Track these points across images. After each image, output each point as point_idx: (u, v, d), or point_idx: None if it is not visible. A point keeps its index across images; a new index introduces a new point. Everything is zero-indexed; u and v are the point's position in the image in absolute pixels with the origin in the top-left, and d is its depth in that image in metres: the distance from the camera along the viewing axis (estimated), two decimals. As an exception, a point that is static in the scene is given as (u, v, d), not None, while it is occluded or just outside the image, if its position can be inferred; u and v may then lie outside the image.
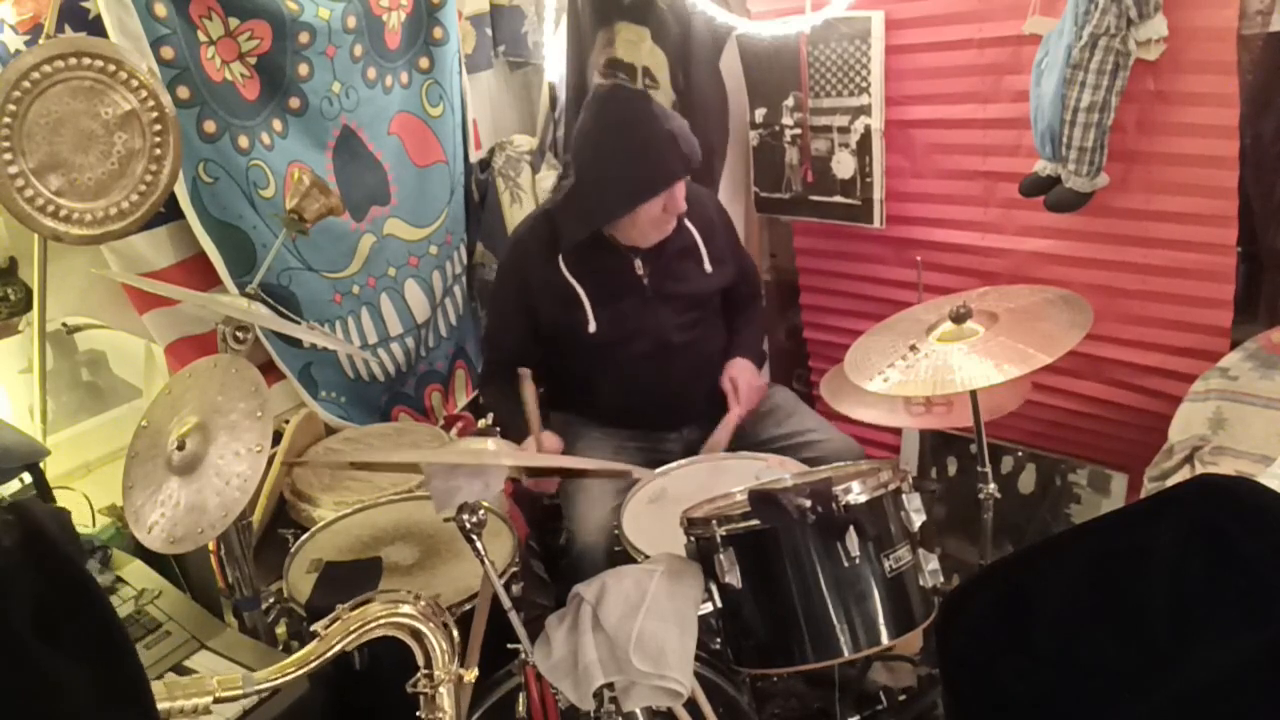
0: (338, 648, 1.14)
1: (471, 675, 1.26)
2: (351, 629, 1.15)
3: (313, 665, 1.12)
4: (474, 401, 3.02)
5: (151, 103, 1.91)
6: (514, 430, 2.22)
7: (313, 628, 1.16)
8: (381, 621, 1.17)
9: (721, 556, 1.53)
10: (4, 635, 0.72)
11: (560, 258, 2.21)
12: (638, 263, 2.23)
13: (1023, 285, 2.15)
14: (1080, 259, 2.33)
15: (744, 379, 2.28)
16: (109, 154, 1.89)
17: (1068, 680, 0.64)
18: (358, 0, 2.48)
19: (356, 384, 2.70)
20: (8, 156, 1.78)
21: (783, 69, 2.69)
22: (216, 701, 1.05)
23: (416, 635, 1.20)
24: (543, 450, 2.12)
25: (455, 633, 1.23)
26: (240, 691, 1.07)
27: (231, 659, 1.67)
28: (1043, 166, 2.20)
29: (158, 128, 1.93)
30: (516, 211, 3.03)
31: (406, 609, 1.19)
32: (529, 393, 1.94)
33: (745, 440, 2.25)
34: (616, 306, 2.23)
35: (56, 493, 1.95)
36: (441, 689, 1.20)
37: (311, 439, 2.50)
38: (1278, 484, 1.04)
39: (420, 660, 1.21)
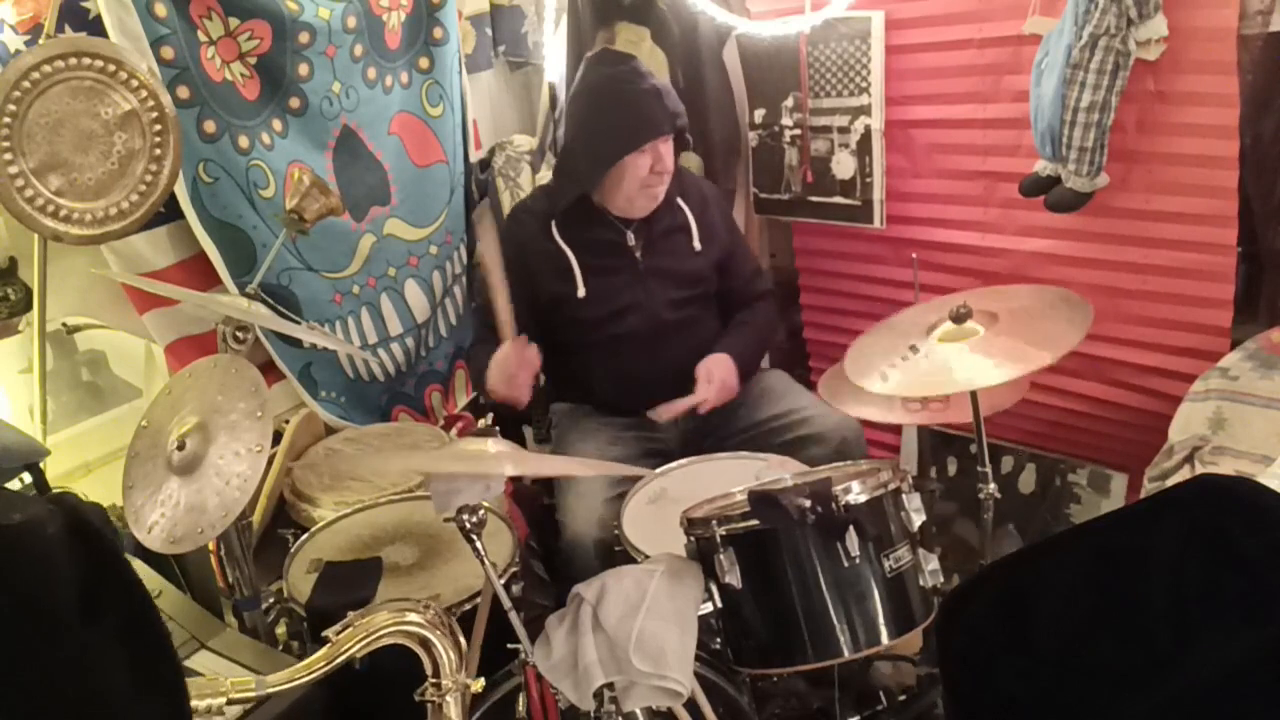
0: (348, 654, 1.14)
1: (479, 685, 1.25)
2: (359, 636, 1.15)
3: (324, 670, 1.13)
4: (474, 401, 3.02)
5: (151, 103, 1.91)
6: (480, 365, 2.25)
7: (325, 633, 1.16)
8: (390, 629, 1.17)
9: (721, 556, 1.53)
10: (49, 614, 0.74)
11: (554, 226, 2.26)
12: (630, 235, 2.27)
13: (1023, 285, 2.15)
14: (1080, 259, 2.33)
15: (719, 370, 2.22)
16: (109, 154, 1.89)
17: (1068, 680, 0.64)
18: (358, 0, 2.48)
19: (356, 384, 2.70)
20: (8, 156, 1.78)
21: (782, 69, 2.69)
22: (230, 703, 1.06)
23: (425, 644, 1.20)
24: (518, 349, 2.11)
25: (464, 642, 1.24)
26: (253, 694, 1.08)
27: (231, 659, 1.66)
28: (1043, 166, 2.20)
29: (158, 128, 1.93)
30: (516, 211, 3.03)
31: (414, 617, 1.19)
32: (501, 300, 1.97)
33: (739, 422, 2.24)
34: (608, 279, 2.27)
35: (56, 493, 1.95)
36: (449, 698, 1.20)
37: (311, 439, 2.50)
38: (1278, 484, 1.04)
39: (428, 669, 1.21)
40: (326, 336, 2.47)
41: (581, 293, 2.25)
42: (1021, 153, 2.29)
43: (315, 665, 1.13)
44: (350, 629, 1.16)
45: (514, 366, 2.12)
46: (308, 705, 1.53)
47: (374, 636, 1.16)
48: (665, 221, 2.28)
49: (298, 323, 2.36)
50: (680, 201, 2.31)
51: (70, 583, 0.76)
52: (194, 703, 1.03)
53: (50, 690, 0.73)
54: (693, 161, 2.88)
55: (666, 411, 2.22)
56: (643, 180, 2.17)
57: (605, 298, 2.27)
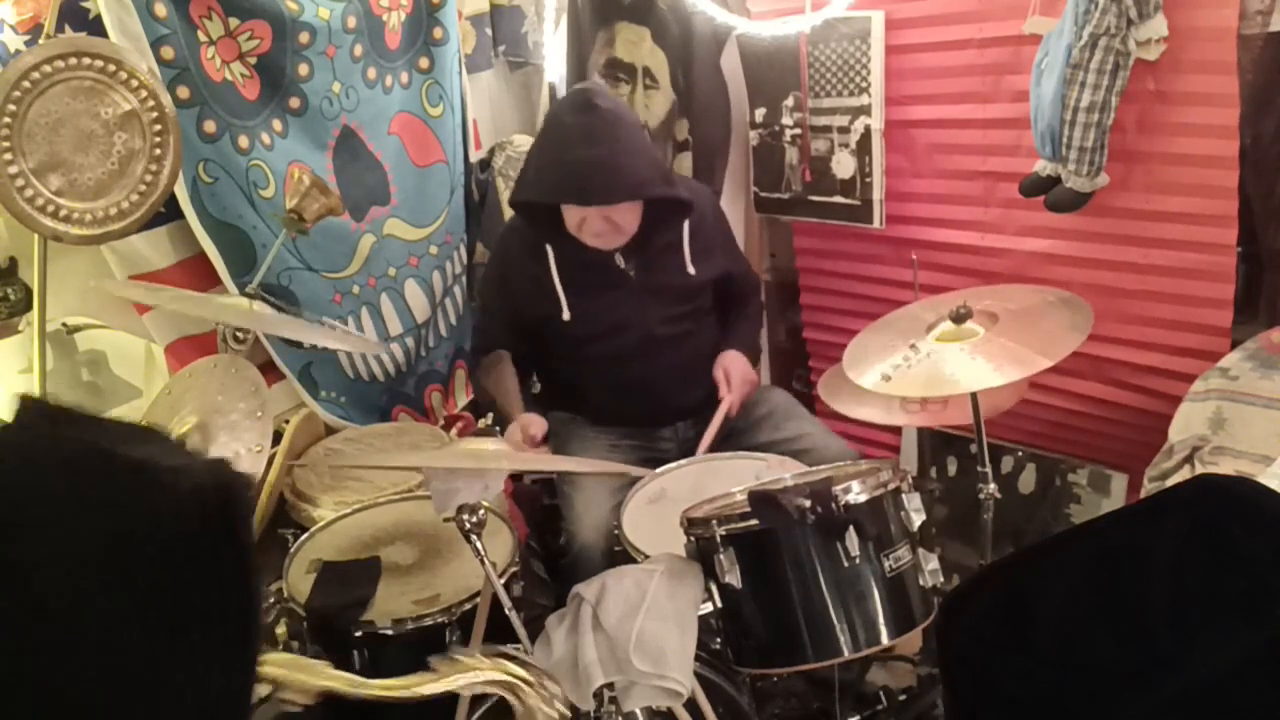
0: (446, 686, 1.11)
1: None
2: (462, 672, 1.12)
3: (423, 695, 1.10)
4: (474, 401, 3.02)
5: (151, 103, 1.91)
6: (504, 414, 2.24)
7: (431, 660, 1.14)
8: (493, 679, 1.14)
9: (721, 556, 1.53)
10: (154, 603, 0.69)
11: (548, 246, 2.22)
12: (619, 256, 2.23)
13: (1023, 285, 2.15)
14: (1080, 259, 2.33)
15: (736, 368, 2.27)
16: (109, 154, 1.89)
17: (1067, 680, 0.64)
18: (358, 0, 2.48)
19: (356, 384, 2.70)
20: (8, 156, 1.78)
21: (783, 69, 2.69)
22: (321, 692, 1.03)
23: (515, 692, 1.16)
24: (526, 431, 2.13)
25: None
26: (352, 691, 1.06)
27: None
28: (1043, 166, 2.20)
29: (158, 128, 1.93)
30: (516, 211, 3.03)
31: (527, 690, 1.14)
32: (508, 375, 1.95)
33: (741, 444, 2.24)
34: (598, 298, 2.23)
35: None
36: None
37: (311, 439, 2.50)
38: (1278, 484, 1.04)
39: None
40: (339, 337, 2.46)
41: (566, 315, 2.22)
42: (1021, 153, 2.29)
43: (414, 684, 1.10)
44: (457, 663, 1.13)
45: (525, 444, 2.14)
46: (308, 705, 1.52)
47: (475, 681, 1.13)
48: (659, 239, 2.23)
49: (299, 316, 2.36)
50: (680, 219, 2.24)
51: (184, 568, 0.71)
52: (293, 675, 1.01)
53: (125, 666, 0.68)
54: (684, 164, 2.89)
55: (711, 432, 2.19)
56: (575, 225, 2.13)
57: (594, 316, 2.23)
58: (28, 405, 0.78)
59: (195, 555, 0.72)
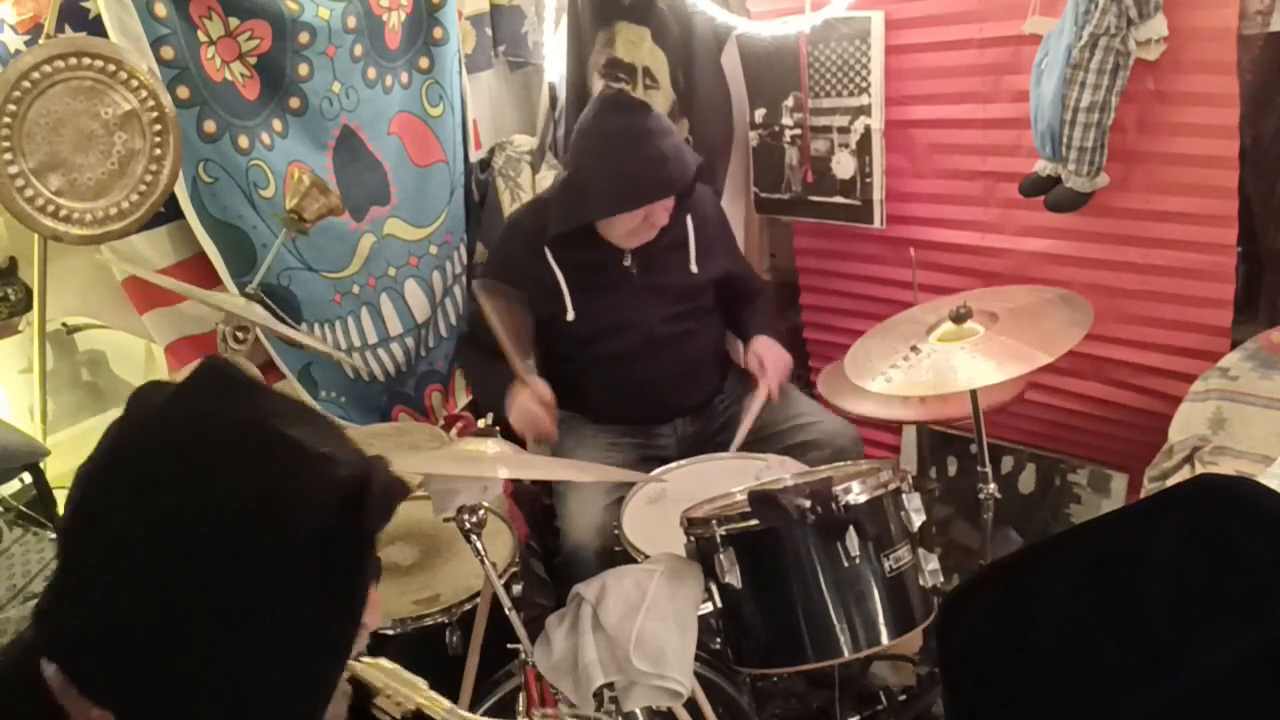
0: None
1: None
2: None
3: None
4: (474, 401, 3.01)
5: (151, 103, 1.91)
6: (491, 394, 2.24)
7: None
8: None
9: (721, 556, 1.53)
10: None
11: (547, 245, 2.22)
12: (628, 255, 2.23)
13: (1023, 285, 2.15)
14: (1080, 259, 2.33)
15: (770, 354, 2.27)
16: (109, 154, 1.89)
17: (1068, 680, 0.64)
18: (358, 0, 2.48)
19: (356, 384, 2.70)
20: (8, 156, 1.78)
21: (783, 69, 2.69)
22: (417, 710, 1.06)
23: None
24: (537, 396, 2.12)
25: None
26: (444, 716, 1.08)
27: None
28: (1043, 166, 2.20)
29: (158, 128, 1.93)
30: (516, 211, 3.03)
31: None
32: (514, 310, 1.96)
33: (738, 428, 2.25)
34: (601, 297, 2.23)
35: (56, 493, 1.95)
36: None
37: (311, 439, 2.49)
38: (1278, 484, 1.04)
39: None
40: (317, 340, 2.46)
41: (570, 315, 2.23)
42: (1021, 153, 2.29)
43: None
44: None
45: (538, 414, 2.13)
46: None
47: None
48: (666, 238, 2.23)
49: (296, 327, 2.36)
50: (685, 216, 2.27)
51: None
52: (393, 684, 1.03)
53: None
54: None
55: (742, 432, 2.19)
56: (633, 229, 2.15)
57: (597, 316, 2.23)
58: (208, 369, 0.79)
59: (320, 543, 0.74)
